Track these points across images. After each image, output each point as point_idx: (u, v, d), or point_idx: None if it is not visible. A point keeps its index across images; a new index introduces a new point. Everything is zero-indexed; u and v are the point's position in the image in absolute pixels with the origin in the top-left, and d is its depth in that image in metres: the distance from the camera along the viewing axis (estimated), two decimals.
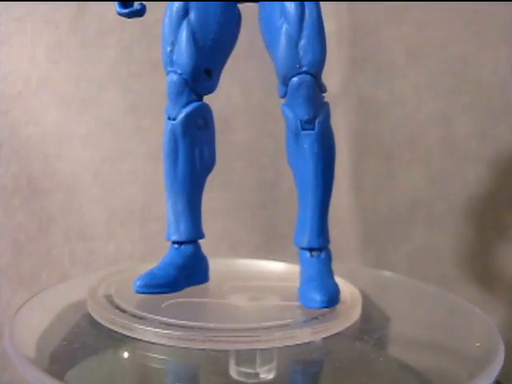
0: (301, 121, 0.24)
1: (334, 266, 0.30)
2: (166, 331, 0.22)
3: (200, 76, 0.25)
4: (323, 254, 0.25)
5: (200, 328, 0.22)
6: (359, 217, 0.47)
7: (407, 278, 0.32)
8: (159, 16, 0.40)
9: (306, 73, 0.23)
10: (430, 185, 0.47)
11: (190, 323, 0.22)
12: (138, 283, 0.24)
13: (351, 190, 0.47)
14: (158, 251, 0.42)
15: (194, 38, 0.24)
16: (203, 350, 0.21)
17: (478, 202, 0.47)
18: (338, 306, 0.24)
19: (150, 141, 0.41)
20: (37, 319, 0.25)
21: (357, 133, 0.46)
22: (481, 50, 0.46)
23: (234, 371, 0.22)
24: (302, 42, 0.23)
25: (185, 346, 0.21)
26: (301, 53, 0.23)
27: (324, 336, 0.23)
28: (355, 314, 0.25)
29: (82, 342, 0.24)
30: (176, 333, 0.21)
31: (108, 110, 0.39)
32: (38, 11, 0.36)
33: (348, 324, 0.24)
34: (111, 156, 0.40)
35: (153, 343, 0.22)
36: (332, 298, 0.23)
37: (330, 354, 0.24)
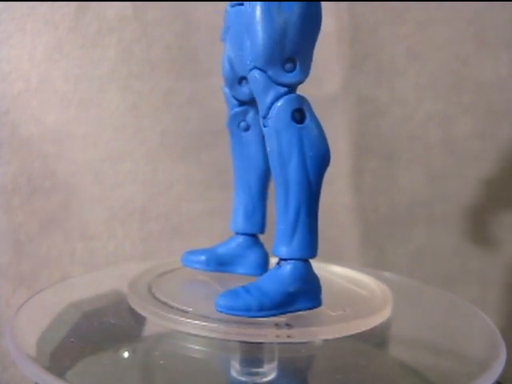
0: (261, 118, 0.22)
1: (335, 265, 0.30)
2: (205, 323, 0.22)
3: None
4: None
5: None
6: (359, 217, 0.47)
7: (407, 278, 0.32)
8: (159, 16, 0.40)
9: (252, 68, 0.22)
10: (430, 185, 0.47)
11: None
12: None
13: (351, 190, 0.47)
14: (158, 251, 0.42)
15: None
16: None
17: (478, 201, 0.47)
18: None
19: (150, 141, 0.41)
20: (37, 318, 0.25)
21: (357, 133, 0.46)
22: (481, 50, 0.46)
23: (235, 370, 0.23)
24: (248, 42, 0.22)
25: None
26: (248, 51, 0.22)
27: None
28: (382, 316, 0.24)
29: (83, 341, 0.24)
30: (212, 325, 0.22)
31: (108, 110, 0.39)
32: (37, 11, 0.36)
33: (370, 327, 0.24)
34: (111, 156, 0.40)
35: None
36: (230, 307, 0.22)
37: (331, 354, 0.24)
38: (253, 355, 0.23)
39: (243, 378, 0.22)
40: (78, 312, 0.26)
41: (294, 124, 0.22)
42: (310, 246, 0.22)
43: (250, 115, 0.26)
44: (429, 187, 0.47)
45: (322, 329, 0.22)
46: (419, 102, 0.47)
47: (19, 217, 0.37)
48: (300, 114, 0.22)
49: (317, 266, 0.23)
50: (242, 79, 0.25)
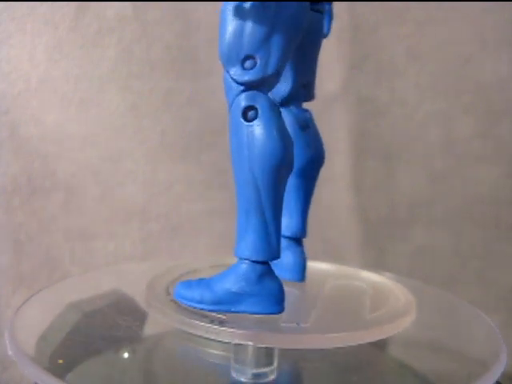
0: None
1: (335, 266, 0.30)
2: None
3: None
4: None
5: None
6: (359, 217, 0.47)
7: (407, 279, 0.32)
8: (159, 16, 0.40)
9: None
10: (430, 185, 0.47)
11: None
12: None
13: (351, 190, 0.47)
14: (158, 251, 0.42)
15: None
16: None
17: (478, 201, 0.47)
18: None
19: (150, 141, 0.41)
20: (37, 318, 0.25)
21: (357, 133, 0.46)
22: (481, 50, 0.46)
23: (235, 371, 0.23)
24: None
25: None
26: None
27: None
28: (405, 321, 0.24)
29: (83, 341, 0.24)
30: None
31: (108, 110, 0.39)
32: (37, 11, 0.36)
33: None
34: (111, 156, 0.40)
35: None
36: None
37: (331, 354, 0.24)
38: (253, 356, 0.23)
39: (243, 379, 0.22)
40: (78, 312, 0.26)
41: (243, 122, 0.22)
42: (258, 248, 0.22)
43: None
44: (429, 187, 0.47)
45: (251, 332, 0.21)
46: (419, 102, 0.47)
47: (19, 217, 0.37)
48: (255, 112, 0.22)
49: None
50: None
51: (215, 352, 0.24)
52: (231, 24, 0.21)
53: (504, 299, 0.48)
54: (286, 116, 0.26)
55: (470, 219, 0.47)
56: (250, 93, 0.22)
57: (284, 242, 0.27)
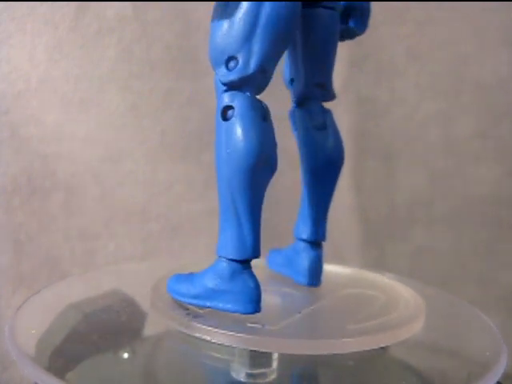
0: None
1: (335, 266, 0.30)
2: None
3: None
4: None
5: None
6: (359, 216, 0.47)
7: (407, 279, 0.32)
8: (159, 16, 0.40)
9: None
10: (430, 185, 0.47)
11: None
12: None
13: (351, 190, 0.47)
14: (158, 251, 0.42)
15: None
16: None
17: (478, 202, 0.47)
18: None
19: (150, 141, 0.41)
20: (37, 318, 0.25)
21: (357, 133, 0.46)
22: (481, 50, 0.46)
23: (235, 372, 0.23)
24: None
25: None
26: None
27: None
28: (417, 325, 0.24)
29: (83, 341, 0.24)
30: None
31: (108, 109, 0.39)
32: (37, 11, 0.36)
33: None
34: (111, 156, 0.40)
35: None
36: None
37: (330, 355, 0.24)
38: (251, 357, 0.23)
39: (243, 379, 0.22)
40: (78, 312, 0.26)
41: (222, 122, 0.22)
42: (233, 247, 0.22)
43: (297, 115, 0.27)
44: (429, 187, 0.47)
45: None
46: (419, 102, 0.47)
47: (19, 217, 0.37)
48: (232, 111, 0.22)
49: None
50: None
51: (215, 352, 0.24)
52: (217, 25, 0.22)
53: (504, 299, 0.48)
54: (302, 116, 0.26)
55: (470, 219, 0.47)
56: (230, 93, 0.22)
57: (300, 245, 0.27)
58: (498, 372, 0.21)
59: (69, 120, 0.38)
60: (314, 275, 0.26)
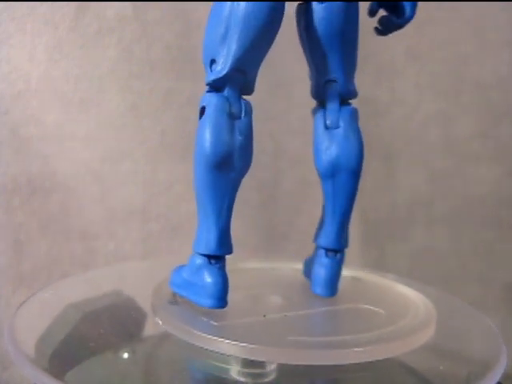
0: None
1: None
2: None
3: None
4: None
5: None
6: (359, 217, 0.47)
7: (407, 279, 0.32)
8: (159, 16, 0.40)
9: None
10: (430, 185, 0.47)
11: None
12: None
13: None
14: (158, 251, 0.42)
15: None
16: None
17: (478, 202, 0.47)
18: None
19: (150, 141, 0.41)
20: (37, 318, 0.25)
21: None
22: (481, 50, 0.46)
23: (234, 372, 0.23)
24: None
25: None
26: None
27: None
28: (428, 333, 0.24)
29: (83, 341, 0.24)
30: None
31: (108, 110, 0.39)
32: (37, 11, 0.36)
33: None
34: (111, 156, 0.40)
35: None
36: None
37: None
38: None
39: (243, 379, 0.22)
40: (78, 312, 0.26)
41: (199, 121, 0.23)
42: (199, 241, 0.23)
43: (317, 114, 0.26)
44: (429, 187, 0.47)
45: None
46: (419, 102, 0.47)
47: (19, 217, 0.37)
48: (205, 112, 0.23)
49: None
50: None
51: (215, 352, 0.24)
52: (206, 29, 0.23)
53: (504, 299, 0.48)
54: (316, 114, 0.26)
55: (470, 219, 0.47)
56: (209, 94, 0.23)
57: (317, 252, 0.26)
58: (498, 372, 0.21)
59: (69, 120, 0.38)
60: (327, 285, 0.26)
